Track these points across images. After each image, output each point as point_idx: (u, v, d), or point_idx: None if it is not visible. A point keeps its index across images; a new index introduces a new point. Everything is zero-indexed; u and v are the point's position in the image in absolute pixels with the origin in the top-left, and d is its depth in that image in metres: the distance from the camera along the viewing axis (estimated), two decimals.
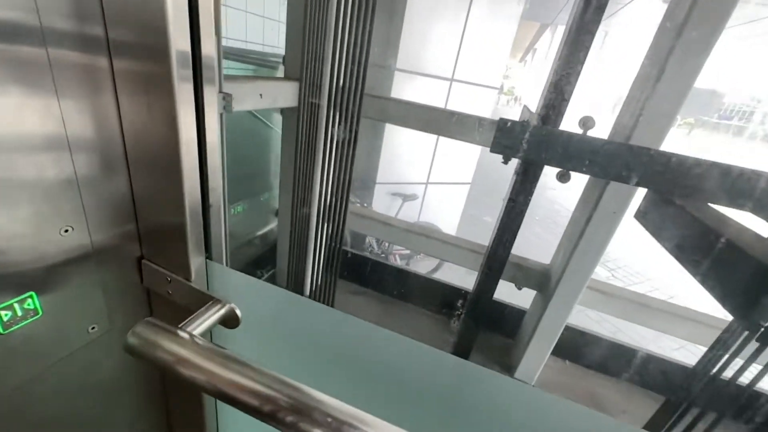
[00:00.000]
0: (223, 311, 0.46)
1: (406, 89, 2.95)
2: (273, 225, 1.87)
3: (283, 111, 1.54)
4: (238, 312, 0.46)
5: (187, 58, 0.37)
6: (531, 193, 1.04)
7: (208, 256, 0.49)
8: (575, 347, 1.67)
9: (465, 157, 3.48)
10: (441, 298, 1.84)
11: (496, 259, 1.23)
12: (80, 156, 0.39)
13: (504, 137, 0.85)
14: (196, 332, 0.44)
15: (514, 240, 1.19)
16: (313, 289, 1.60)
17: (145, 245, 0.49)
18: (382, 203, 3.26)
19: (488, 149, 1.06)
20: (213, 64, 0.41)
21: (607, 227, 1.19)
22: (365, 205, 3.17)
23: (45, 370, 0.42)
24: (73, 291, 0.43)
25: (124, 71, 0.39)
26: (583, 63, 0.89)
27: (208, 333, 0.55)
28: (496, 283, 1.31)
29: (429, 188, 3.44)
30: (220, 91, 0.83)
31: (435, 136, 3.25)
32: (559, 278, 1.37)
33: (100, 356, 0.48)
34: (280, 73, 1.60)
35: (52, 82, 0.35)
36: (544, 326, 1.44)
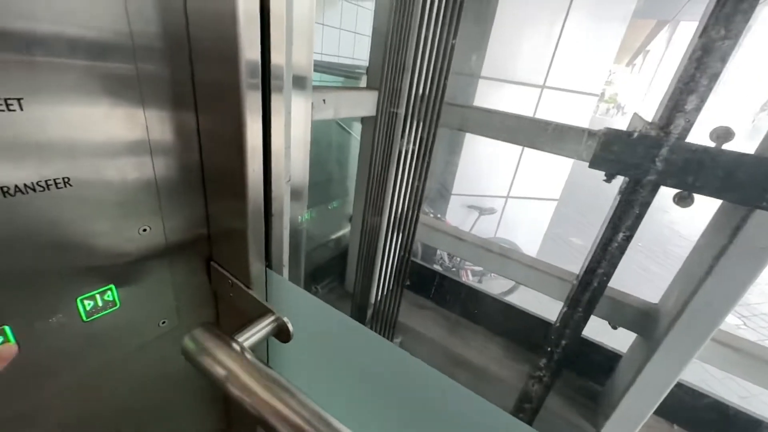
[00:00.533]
0: (276, 324, 0.45)
1: (491, 97, 2.80)
2: (347, 230, 1.91)
3: (363, 120, 1.56)
4: (290, 326, 0.44)
5: (255, 68, 0.37)
6: (640, 219, 0.86)
7: (268, 265, 0.48)
8: (688, 410, 1.35)
9: (553, 171, 3.16)
10: (515, 325, 1.66)
11: (589, 291, 1.05)
12: (160, 161, 0.41)
13: (609, 150, 0.71)
14: (248, 342, 0.43)
15: (613, 271, 1.00)
16: (379, 298, 1.58)
17: (214, 248, 0.50)
18: (456, 216, 3.13)
19: (585, 164, 0.91)
20: (281, 73, 0.40)
21: (748, 265, 0.93)
22: (439, 216, 3.08)
23: (120, 359, 0.46)
24: (148, 286, 0.45)
25: (202, 82, 0.41)
26: (724, 62, 0.70)
27: (264, 342, 0.55)
28: (587, 319, 1.12)
29: (509, 202, 3.19)
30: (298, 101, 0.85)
31: (519, 147, 3.02)
32: (671, 322, 1.12)
33: (170, 350, 0.50)
34: (363, 83, 1.64)
35: (139, 93, 0.37)
36: (646, 378, 1.19)
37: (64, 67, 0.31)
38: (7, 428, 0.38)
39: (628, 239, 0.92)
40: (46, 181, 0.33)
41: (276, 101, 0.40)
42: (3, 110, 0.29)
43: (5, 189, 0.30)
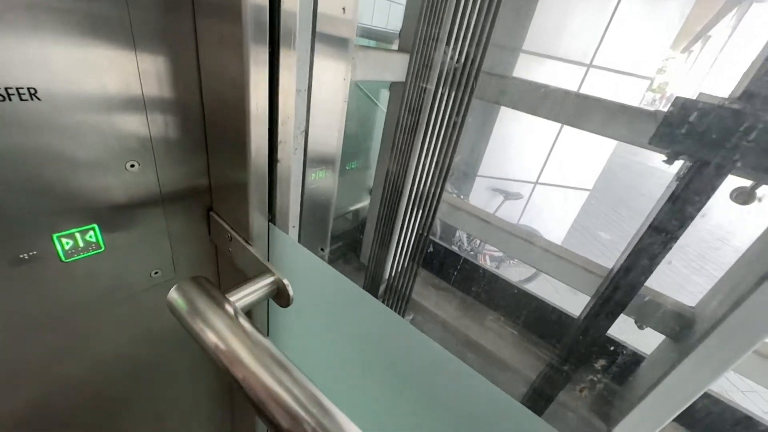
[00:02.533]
0: (274, 286, 0.39)
1: (530, 73, 2.60)
2: (366, 202, 1.86)
3: (391, 86, 1.46)
4: (290, 290, 0.39)
5: (262, 19, 0.31)
6: (699, 209, 0.75)
7: (271, 219, 0.42)
8: (713, 422, 1.26)
9: (589, 159, 2.95)
10: (533, 315, 1.58)
11: (623, 288, 0.96)
12: (152, 95, 0.36)
13: (676, 124, 0.60)
14: (242, 302, 0.38)
15: (654, 268, 0.90)
16: (393, 273, 1.54)
17: (215, 197, 0.45)
18: (480, 198, 3.00)
19: (624, 154, 0.80)
20: (292, 26, 0.33)
21: None
22: (462, 197, 2.97)
23: (106, 307, 0.42)
24: (138, 232, 0.41)
25: (204, 23, 0.35)
26: None
27: (264, 305, 0.50)
28: (615, 317, 1.04)
29: (537, 189, 3.03)
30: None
31: (554, 131, 2.83)
32: (710, 329, 1.02)
33: (162, 303, 0.46)
34: (395, 48, 1.53)
35: (131, 32, 0.31)
36: (672, 383, 1.10)
37: None
38: None
39: (677, 233, 0.82)
40: (6, 88, 0.27)
41: (286, 56, 0.33)
42: None
43: None
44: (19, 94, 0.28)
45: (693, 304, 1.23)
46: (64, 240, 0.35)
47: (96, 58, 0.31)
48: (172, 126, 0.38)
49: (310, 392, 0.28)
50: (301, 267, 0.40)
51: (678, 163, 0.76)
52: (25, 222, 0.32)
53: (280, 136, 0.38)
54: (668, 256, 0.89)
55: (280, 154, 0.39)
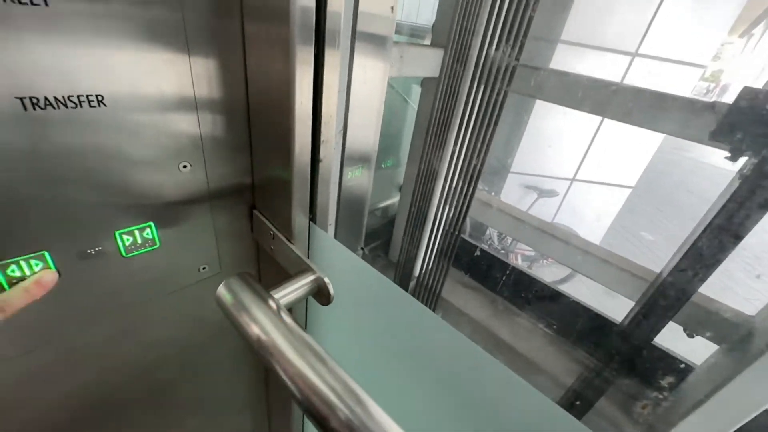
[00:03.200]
0: (315, 284, 0.40)
1: (570, 65, 2.48)
2: (395, 199, 1.86)
3: (423, 82, 1.44)
4: (330, 289, 0.39)
5: (309, 21, 0.32)
6: (764, 211, 0.68)
7: (312, 218, 0.43)
8: None
9: (632, 154, 2.78)
10: (567, 317, 1.52)
11: (673, 294, 0.90)
12: (204, 100, 0.38)
13: (742, 117, 0.54)
14: (285, 300, 0.39)
15: (710, 273, 0.84)
16: (423, 271, 1.53)
17: (257, 196, 0.47)
18: (512, 195, 2.91)
19: (671, 149, 0.74)
20: (337, 26, 0.34)
21: None
22: (493, 194, 2.89)
23: (158, 298, 0.45)
24: (188, 229, 0.43)
25: (252, 28, 0.36)
26: None
27: (303, 301, 0.52)
28: (664, 324, 0.97)
29: (574, 186, 2.89)
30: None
31: (594, 125, 2.68)
32: None
33: (209, 297, 0.48)
34: (428, 42, 1.50)
35: (184, 31, 0.33)
36: (726, 397, 1.02)
37: None
38: (45, 363, 0.39)
39: (740, 235, 0.75)
40: (78, 96, 0.29)
41: (330, 56, 0.34)
42: (36, 3, 0.25)
43: (34, 100, 0.28)
44: (89, 101, 0.30)
45: (753, 313, 1.13)
46: (125, 237, 0.37)
47: (154, 62, 0.33)
48: (220, 126, 0.40)
49: (348, 385, 0.29)
50: (341, 265, 0.41)
51: (742, 160, 0.70)
52: (92, 220, 0.35)
53: (323, 136, 0.38)
54: (725, 261, 0.82)
55: (323, 153, 0.39)
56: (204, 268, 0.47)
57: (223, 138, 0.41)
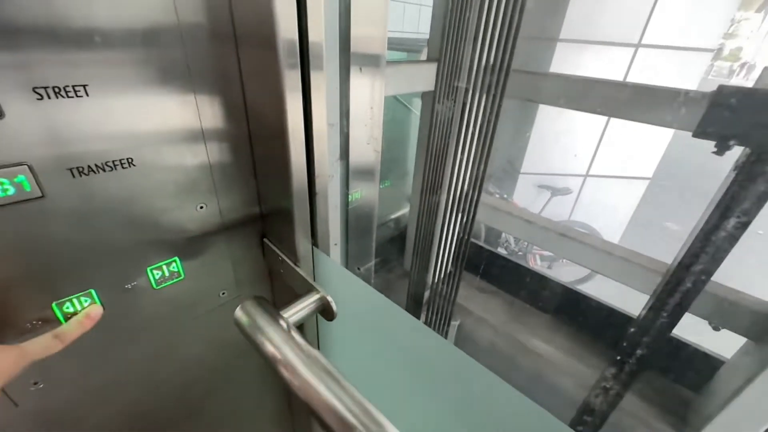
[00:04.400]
0: (320, 303, 0.45)
1: (570, 63, 2.48)
2: (407, 209, 1.90)
3: (423, 95, 1.50)
4: (333, 306, 0.44)
5: (293, 48, 0.36)
6: (763, 201, 0.69)
7: (315, 243, 0.48)
8: None
9: (646, 145, 2.72)
10: (587, 317, 1.50)
11: (683, 285, 0.90)
12: (213, 143, 0.43)
13: (722, 114, 0.57)
14: (294, 318, 0.44)
15: (718, 265, 0.83)
16: (437, 279, 1.55)
17: (266, 225, 0.52)
18: (526, 196, 2.90)
19: (687, 134, 0.75)
20: (320, 52, 0.38)
21: None
22: (505, 196, 2.89)
23: (188, 324, 0.51)
24: (208, 259, 0.49)
25: (248, 66, 0.41)
26: None
27: (313, 319, 0.57)
28: (678, 318, 0.97)
29: (588, 182, 2.86)
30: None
31: (602, 120, 2.65)
32: None
33: (230, 318, 0.54)
34: (425, 57, 1.56)
35: (190, 80, 0.38)
36: (759, 390, 1.00)
37: (122, 57, 0.34)
38: (98, 379, 0.45)
39: (742, 226, 0.75)
40: (113, 161, 0.36)
41: (316, 79, 0.39)
42: (72, 96, 0.32)
43: (80, 168, 0.34)
44: (122, 164, 0.36)
45: None
46: (155, 271, 0.44)
47: (167, 106, 0.38)
48: (228, 167, 0.46)
49: (357, 399, 0.33)
50: (342, 284, 0.46)
51: (732, 154, 0.71)
52: (127, 260, 0.42)
53: (317, 170, 0.44)
54: (749, 243, 0.80)
55: (318, 187, 0.45)
56: (223, 293, 0.53)
57: (231, 174, 0.46)
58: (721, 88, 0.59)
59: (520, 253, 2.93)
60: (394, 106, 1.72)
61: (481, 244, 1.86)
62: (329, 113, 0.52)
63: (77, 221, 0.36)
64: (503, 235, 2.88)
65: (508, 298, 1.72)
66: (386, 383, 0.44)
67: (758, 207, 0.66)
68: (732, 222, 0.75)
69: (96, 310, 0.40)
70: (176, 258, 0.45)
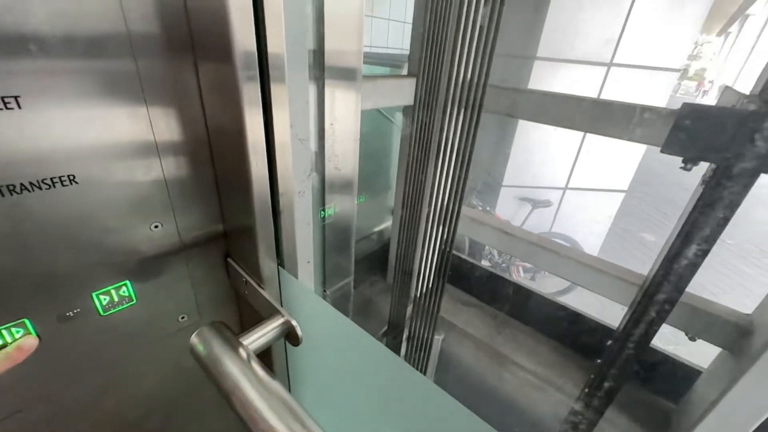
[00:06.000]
0: (285, 327, 0.42)
1: (547, 81, 2.56)
2: (389, 223, 1.88)
3: (404, 109, 1.51)
4: (298, 331, 0.41)
5: (250, 59, 0.34)
6: (729, 214, 0.70)
7: (280, 263, 0.46)
8: None
9: (621, 159, 2.82)
10: (569, 329, 1.51)
11: (660, 297, 0.91)
12: (168, 158, 0.40)
13: (687, 130, 0.58)
14: (255, 344, 0.41)
15: (692, 276, 0.85)
16: (418, 293, 1.53)
17: (230, 244, 0.50)
18: (507, 208, 2.94)
19: (657, 149, 0.77)
20: (281, 63, 0.37)
21: None
22: (488, 209, 2.92)
23: (142, 352, 0.47)
24: (164, 282, 0.45)
25: (207, 79, 0.39)
26: None
27: (281, 343, 0.53)
28: (656, 328, 0.97)
29: (567, 194, 2.92)
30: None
31: (579, 134, 2.74)
32: None
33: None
34: (405, 71, 1.57)
35: (141, 91, 0.36)
36: (734, 400, 1.01)
37: (62, 66, 0.31)
38: (32, 421, 0.41)
39: (713, 237, 0.77)
40: (51, 178, 0.33)
41: (277, 92, 0.37)
42: (1, 109, 0.29)
43: (11, 187, 0.31)
44: (61, 181, 0.33)
45: (749, 311, 1.13)
46: (101, 297, 0.40)
47: (115, 120, 0.35)
48: (187, 181, 0.43)
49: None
50: (309, 307, 0.43)
51: (702, 167, 0.73)
52: (68, 285, 0.38)
53: (281, 187, 0.41)
54: (721, 254, 0.82)
55: (282, 202, 0.42)
56: (183, 318, 0.49)
57: (191, 192, 0.44)
58: (685, 106, 0.60)
59: (503, 265, 2.95)
60: (378, 119, 1.73)
61: (465, 257, 1.85)
62: (299, 127, 0.50)
63: (7, 244, 0.33)
64: (486, 247, 2.90)
65: (490, 311, 1.72)
66: (353, 414, 0.41)
67: (726, 219, 0.68)
68: (703, 233, 0.76)
69: (29, 341, 0.36)
70: (127, 281, 0.42)
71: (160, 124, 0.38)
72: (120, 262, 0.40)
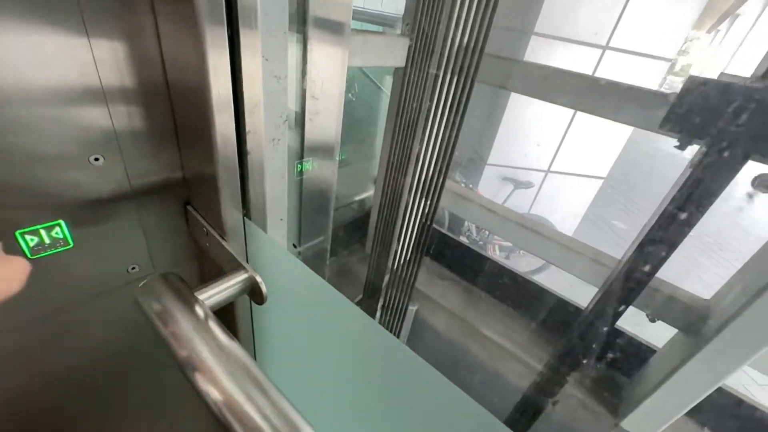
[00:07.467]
0: (248, 283, 0.38)
1: (541, 58, 2.50)
2: (371, 192, 1.84)
3: (395, 71, 1.42)
4: (263, 287, 0.37)
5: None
6: (713, 197, 0.70)
7: (246, 214, 0.41)
8: (726, 417, 1.22)
9: (603, 146, 2.85)
10: (540, 306, 1.55)
11: (632, 279, 0.92)
12: (113, 90, 0.34)
13: (690, 104, 0.55)
14: (212, 300, 0.36)
15: (667, 259, 0.86)
16: (396, 264, 1.52)
17: (191, 190, 0.44)
18: (489, 187, 2.94)
19: (640, 141, 0.75)
20: (253, 5, 0.30)
21: None
22: (470, 186, 2.91)
23: (82, 300, 0.41)
24: (110, 228, 0.40)
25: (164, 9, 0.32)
26: None
27: (246, 301, 0.49)
28: (624, 309, 1.00)
29: (549, 177, 2.95)
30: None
31: (567, 117, 2.73)
32: (725, 323, 0.98)
33: None
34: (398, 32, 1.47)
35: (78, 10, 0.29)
36: (683, 377, 1.07)
37: None
38: None
39: (691, 222, 0.77)
40: None
41: (247, 38, 0.31)
42: None
43: None
44: None
45: (708, 297, 1.18)
46: (27, 237, 0.34)
47: (45, 47, 0.29)
48: (138, 117, 0.36)
49: (278, 405, 0.27)
50: (277, 264, 0.39)
51: (693, 149, 0.71)
52: None
53: (248, 126, 0.36)
54: (686, 247, 0.84)
55: (250, 145, 0.37)
56: (134, 269, 0.44)
57: (143, 130, 0.37)
58: (691, 79, 0.57)
59: (480, 242, 2.99)
60: (364, 83, 1.63)
61: (445, 231, 1.85)
62: (276, 62, 0.43)
63: None
64: (466, 223, 2.92)
65: (465, 285, 1.74)
66: (322, 380, 0.38)
67: (709, 202, 0.67)
68: (683, 217, 0.76)
69: None
70: (60, 221, 0.35)
71: (103, 50, 0.31)
72: (51, 198, 0.34)
